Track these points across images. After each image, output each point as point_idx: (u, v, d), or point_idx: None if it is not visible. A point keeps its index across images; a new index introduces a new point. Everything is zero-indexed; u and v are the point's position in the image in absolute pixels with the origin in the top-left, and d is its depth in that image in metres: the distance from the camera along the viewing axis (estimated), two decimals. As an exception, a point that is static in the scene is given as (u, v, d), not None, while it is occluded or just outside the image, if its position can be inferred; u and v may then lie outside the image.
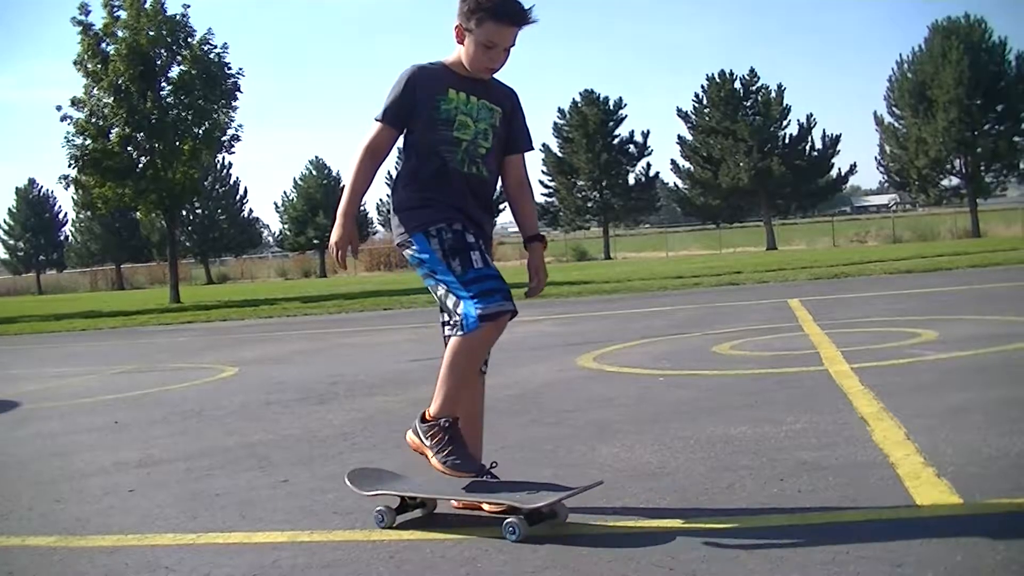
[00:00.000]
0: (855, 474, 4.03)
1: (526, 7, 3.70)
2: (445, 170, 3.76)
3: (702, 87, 59.01)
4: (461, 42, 3.78)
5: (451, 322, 3.77)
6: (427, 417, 3.77)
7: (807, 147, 57.82)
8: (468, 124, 3.78)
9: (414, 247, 3.76)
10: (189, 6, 30.59)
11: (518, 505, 3.54)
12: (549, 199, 65.01)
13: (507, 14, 3.68)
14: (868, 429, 4.86)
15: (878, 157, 54.13)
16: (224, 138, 31.26)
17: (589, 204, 64.00)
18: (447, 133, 3.75)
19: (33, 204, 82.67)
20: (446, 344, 3.77)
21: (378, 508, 3.83)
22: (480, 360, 3.81)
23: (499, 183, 4.02)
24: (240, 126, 31.58)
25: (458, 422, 3.75)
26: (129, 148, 30.03)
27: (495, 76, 3.91)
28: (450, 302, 3.72)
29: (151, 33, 29.66)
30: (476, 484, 3.74)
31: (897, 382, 6.23)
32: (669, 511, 3.73)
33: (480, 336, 3.65)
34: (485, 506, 3.80)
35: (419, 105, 3.75)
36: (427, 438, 3.74)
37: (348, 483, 4.04)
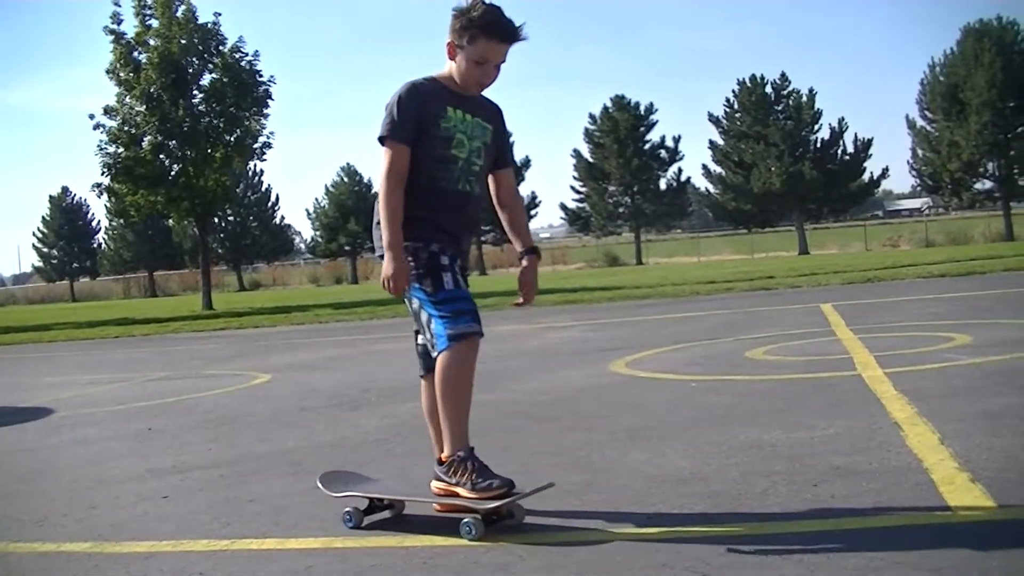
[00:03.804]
0: (889, 479, 4.01)
1: (517, 25, 3.80)
2: (436, 187, 3.84)
3: (733, 91, 58.83)
4: (453, 58, 3.86)
5: (426, 338, 3.89)
6: (443, 459, 3.87)
7: (839, 151, 57.45)
8: (464, 143, 3.88)
9: None
10: (220, 14, 30.83)
11: (473, 506, 3.68)
12: (580, 204, 65.00)
13: (499, 31, 3.77)
14: (902, 434, 4.83)
15: (910, 161, 53.66)
16: (256, 145, 31.31)
17: (620, 209, 63.83)
18: (445, 151, 3.84)
19: (66, 212, 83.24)
20: (420, 355, 4.02)
21: (346, 509, 4.01)
22: (466, 382, 3.84)
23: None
24: (272, 133, 31.61)
25: (473, 450, 3.82)
26: (161, 156, 30.16)
27: (482, 93, 3.99)
28: (423, 318, 3.87)
29: (183, 41, 29.80)
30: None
31: (931, 387, 6.18)
32: (702, 516, 3.72)
33: (455, 355, 3.76)
34: (460, 492, 3.81)
35: (423, 122, 3.82)
36: (451, 476, 3.82)
37: (319, 485, 4.21)
